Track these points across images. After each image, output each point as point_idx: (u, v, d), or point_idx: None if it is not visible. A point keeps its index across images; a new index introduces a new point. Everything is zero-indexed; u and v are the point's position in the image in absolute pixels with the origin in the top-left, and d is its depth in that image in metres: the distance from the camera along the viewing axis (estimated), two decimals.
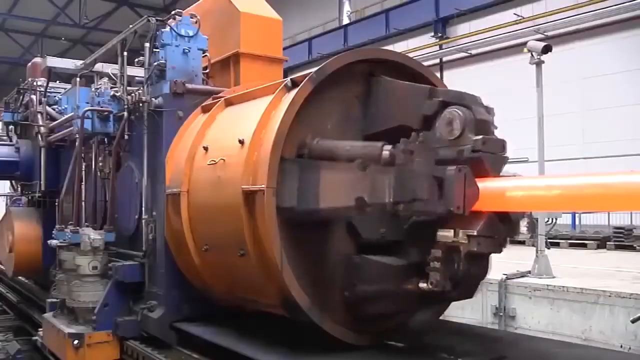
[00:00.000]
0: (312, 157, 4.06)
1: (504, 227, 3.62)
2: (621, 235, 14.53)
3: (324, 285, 4.07)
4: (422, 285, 3.63)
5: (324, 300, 4.04)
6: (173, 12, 5.83)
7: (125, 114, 5.83)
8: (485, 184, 3.47)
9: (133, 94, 5.72)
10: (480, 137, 3.57)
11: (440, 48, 21.70)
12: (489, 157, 3.58)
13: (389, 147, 3.65)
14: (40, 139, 7.92)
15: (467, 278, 3.65)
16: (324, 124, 4.25)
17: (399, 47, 21.90)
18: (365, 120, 4.34)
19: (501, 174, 3.71)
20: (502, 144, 3.68)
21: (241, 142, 4.24)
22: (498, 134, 3.79)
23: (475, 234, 3.44)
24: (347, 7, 26.13)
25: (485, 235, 3.49)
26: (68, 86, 8.42)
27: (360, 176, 3.60)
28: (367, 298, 3.99)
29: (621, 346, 6.93)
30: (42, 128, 7.89)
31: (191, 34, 5.69)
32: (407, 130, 3.79)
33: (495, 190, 3.45)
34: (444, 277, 3.53)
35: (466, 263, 3.52)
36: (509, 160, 3.79)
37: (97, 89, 6.15)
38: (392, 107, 4.21)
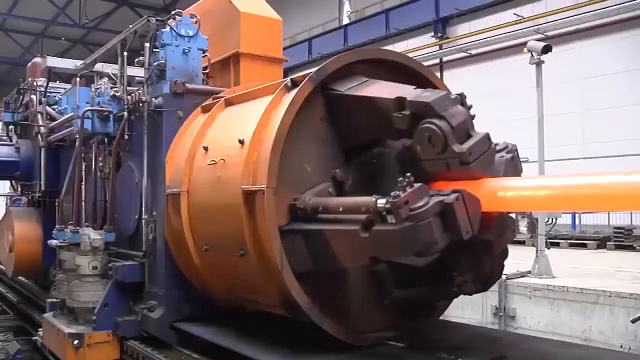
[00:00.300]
0: (307, 218, 3.97)
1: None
2: (621, 235, 14.52)
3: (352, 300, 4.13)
4: (454, 290, 3.78)
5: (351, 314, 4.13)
6: (173, 12, 5.83)
7: (125, 114, 5.84)
8: (483, 187, 3.43)
9: (133, 94, 5.73)
10: (466, 148, 3.40)
11: (440, 48, 21.70)
12: (479, 161, 3.45)
13: (382, 201, 3.38)
14: (40, 139, 7.93)
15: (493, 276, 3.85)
16: (303, 170, 4.15)
17: (399, 47, 21.91)
18: (338, 137, 4.26)
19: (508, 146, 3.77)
20: (487, 140, 3.54)
21: (241, 142, 4.24)
22: (497, 135, 3.77)
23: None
24: (347, 7, 26.13)
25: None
26: (68, 86, 8.42)
27: (367, 237, 3.50)
28: (405, 299, 4.05)
29: (621, 346, 6.92)
30: (42, 128, 7.90)
31: (191, 34, 5.69)
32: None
33: (494, 192, 3.43)
34: (473, 282, 3.69)
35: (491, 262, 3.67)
36: None
37: (97, 89, 6.16)
38: (360, 122, 4.11)
